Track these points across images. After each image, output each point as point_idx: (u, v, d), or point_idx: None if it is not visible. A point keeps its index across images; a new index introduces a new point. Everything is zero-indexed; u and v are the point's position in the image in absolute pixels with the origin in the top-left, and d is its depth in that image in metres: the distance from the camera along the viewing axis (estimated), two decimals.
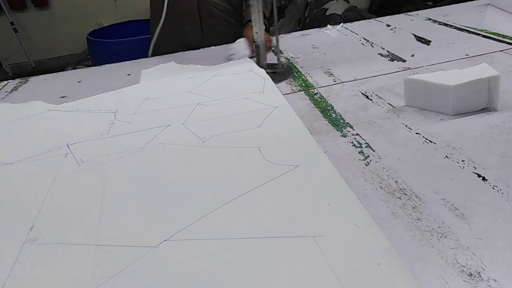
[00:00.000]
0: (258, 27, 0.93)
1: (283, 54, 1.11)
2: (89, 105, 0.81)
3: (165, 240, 0.42)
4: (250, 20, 1.02)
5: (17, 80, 1.16)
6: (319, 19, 3.38)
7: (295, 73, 0.97)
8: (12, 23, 3.36)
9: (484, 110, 0.69)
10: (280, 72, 0.96)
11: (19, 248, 0.43)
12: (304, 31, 1.31)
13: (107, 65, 1.19)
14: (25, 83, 1.14)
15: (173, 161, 0.59)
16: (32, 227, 0.47)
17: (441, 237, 0.44)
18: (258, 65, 0.98)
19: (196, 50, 1.25)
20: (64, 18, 3.63)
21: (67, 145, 0.65)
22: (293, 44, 1.19)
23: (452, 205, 0.49)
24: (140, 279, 0.38)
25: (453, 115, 0.68)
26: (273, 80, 0.91)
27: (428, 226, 0.46)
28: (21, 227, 0.47)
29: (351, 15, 3.30)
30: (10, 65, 3.82)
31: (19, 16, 3.54)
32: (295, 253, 0.39)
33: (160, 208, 0.49)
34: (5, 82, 1.16)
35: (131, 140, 0.65)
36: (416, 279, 0.37)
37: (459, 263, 0.41)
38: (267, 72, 0.94)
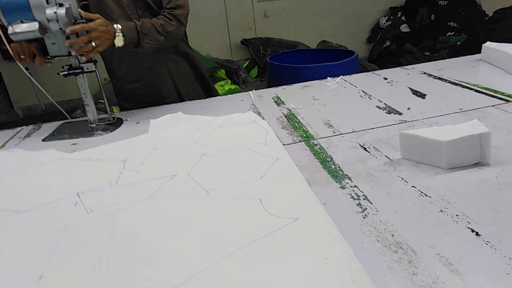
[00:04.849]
0: (88, 99, 1.10)
1: (110, 111, 1.17)
2: (99, 154, 0.85)
3: None
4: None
5: (30, 127, 1.22)
6: None
7: (296, 124, 1.01)
8: (27, 68, 3.51)
9: (478, 164, 0.72)
10: (113, 122, 1.13)
11: None
12: (305, 82, 1.38)
13: (117, 113, 1.25)
14: (38, 129, 1.19)
15: (178, 212, 0.61)
16: (41, 276, 0.49)
17: None
18: (90, 120, 1.12)
19: (201, 100, 1.31)
20: None
21: (78, 194, 0.68)
22: (295, 96, 1.25)
23: (447, 260, 0.50)
24: None
25: (447, 169, 0.71)
26: (107, 130, 1.07)
27: (423, 281, 0.47)
28: (30, 276, 0.49)
29: None
30: (21, 107, 3.95)
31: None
32: None
33: (165, 259, 0.51)
34: (19, 128, 1.21)
35: (138, 189, 0.68)
36: None
37: None
38: (99, 124, 1.10)
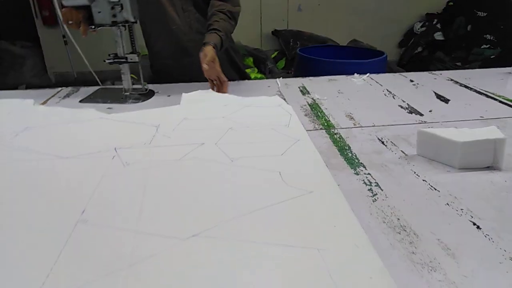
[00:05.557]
0: (125, 69, 1.17)
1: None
2: (135, 117, 0.92)
3: (193, 236, 0.50)
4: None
5: (69, 88, 1.30)
6: None
7: (319, 113, 1.05)
8: (63, 36, 3.65)
9: (489, 168, 0.75)
10: (145, 93, 1.20)
11: (73, 227, 0.52)
12: (332, 76, 1.41)
13: (150, 85, 1.31)
14: (77, 91, 1.27)
15: (204, 173, 0.67)
16: (84, 211, 0.56)
17: (431, 270, 0.50)
18: (125, 88, 1.19)
19: (230, 82, 1.36)
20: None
21: (115, 149, 0.75)
22: (320, 87, 1.29)
23: (446, 245, 0.55)
24: (170, 264, 0.46)
25: (459, 169, 0.74)
26: (139, 99, 1.15)
27: (421, 260, 0.52)
28: (75, 210, 0.56)
29: None
30: (55, 73, 4.11)
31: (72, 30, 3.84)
32: (301, 260, 0.46)
33: (191, 210, 0.57)
34: (59, 88, 1.30)
35: (169, 152, 0.75)
36: None
37: None
38: (132, 94, 1.18)
